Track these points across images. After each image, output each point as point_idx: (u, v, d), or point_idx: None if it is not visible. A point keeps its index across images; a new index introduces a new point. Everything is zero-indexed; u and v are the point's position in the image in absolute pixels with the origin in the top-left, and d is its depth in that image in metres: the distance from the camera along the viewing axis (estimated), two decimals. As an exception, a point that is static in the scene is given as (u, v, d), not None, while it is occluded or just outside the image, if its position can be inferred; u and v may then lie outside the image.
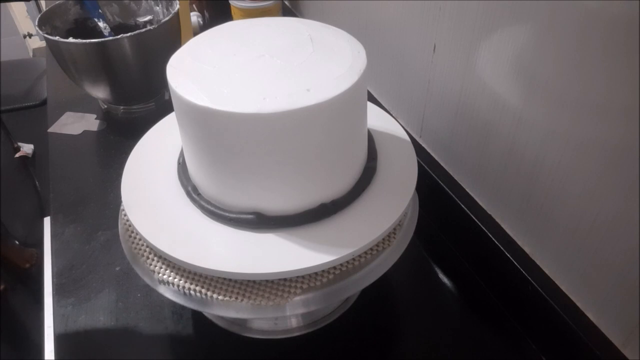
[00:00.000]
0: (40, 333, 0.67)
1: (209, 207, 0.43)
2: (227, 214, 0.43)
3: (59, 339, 0.54)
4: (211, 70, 0.41)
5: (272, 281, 0.42)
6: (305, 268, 0.40)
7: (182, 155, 0.48)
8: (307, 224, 0.43)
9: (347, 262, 0.43)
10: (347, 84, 0.39)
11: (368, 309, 0.55)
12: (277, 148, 0.39)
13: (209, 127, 0.39)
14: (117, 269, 0.60)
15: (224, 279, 0.42)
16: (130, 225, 0.47)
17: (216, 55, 0.43)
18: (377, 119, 0.55)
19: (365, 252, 0.44)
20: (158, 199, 0.46)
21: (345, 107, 0.40)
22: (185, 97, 0.38)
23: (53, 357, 0.54)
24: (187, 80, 0.40)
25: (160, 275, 0.43)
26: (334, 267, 0.42)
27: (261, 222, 0.42)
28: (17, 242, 1.12)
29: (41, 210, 1.22)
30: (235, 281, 0.42)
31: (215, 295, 0.41)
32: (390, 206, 0.45)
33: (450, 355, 0.52)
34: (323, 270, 0.42)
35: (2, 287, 0.97)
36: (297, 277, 0.42)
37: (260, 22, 0.49)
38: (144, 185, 0.48)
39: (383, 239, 0.45)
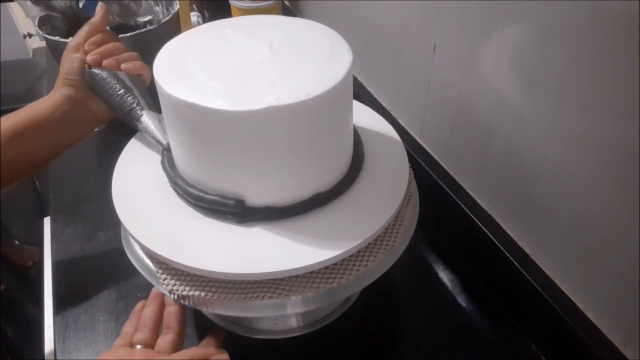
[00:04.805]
0: (40, 333, 0.67)
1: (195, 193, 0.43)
2: (209, 197, 0.42)
3: (59, 339, 0.54)
4: (195, 68, 0.41)
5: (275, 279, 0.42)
6: (310, 265, 0.40)
7: (168, 149, 0.48)
8: (296, 216, 0.43)
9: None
10: (333, 81, 0.39)
11: (368, 308, 0.55)
12: (262, 143, 0.39)
13: (198, 125, 0.39)
14: (117, 269, 0.60)
15: (223, 279, 0.42)
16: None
17: (202, 53, 0.43)
18: (359, 113, 0.55)
19: (365, 251, 0.44)
20: (147, 199, 0.46)
21: (333, 102, 0.40)
22: (172, 94, 0.39)
23: (53, 357, 0.54)
24: (174, 77, 0.40)
25: (158, 274, 0.43)
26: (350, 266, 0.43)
27: (248, 213, 0.42)
28: (17, 242, 1.12)
29: (41, 210, 1.21)
30: (235, 281, 0.42)
31: (210, 295, 0.41)
32: (386, 196, 0.46)
33: (450, 355, 0.52)
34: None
35: (2, 287, 0.97)
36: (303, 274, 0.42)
37: (247, 20, 0.49)
38: (133, 183, 0.48)
39: (376, 245, 0.45)
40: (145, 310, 0.44)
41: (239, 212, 0.42)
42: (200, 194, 0.43)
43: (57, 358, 0.52)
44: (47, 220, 0.73)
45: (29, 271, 1.04)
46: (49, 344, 0.64)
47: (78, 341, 0.54)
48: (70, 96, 0.54)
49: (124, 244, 0.47)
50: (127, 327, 0.44)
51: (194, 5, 1.08)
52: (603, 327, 0.46)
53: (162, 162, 0.47)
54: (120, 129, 0.55)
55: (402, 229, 0.46)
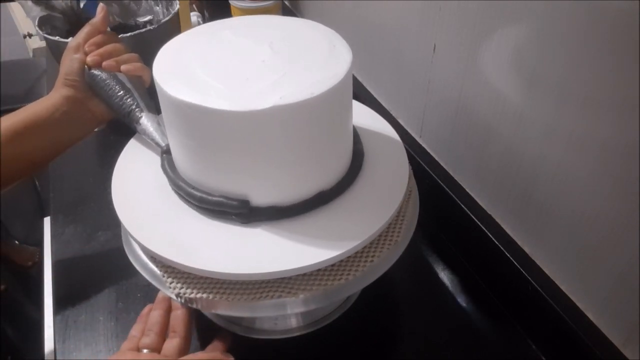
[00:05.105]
0: (40, 333, 0.67)
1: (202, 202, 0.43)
2: (213, 199, 0.42)
3: (59, 339, 0.54)
4: (196, 69, 0.41)
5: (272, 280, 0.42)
6: (308, 265, 0.40)
7: (167, 151, 0.48)
8: (300, 215, 0.43)
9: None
10: (335, 79, 0.39)
11: (368, 308, 0.55)
12: (267, 143, 0.39)
13: (201, 126, 0.39)
14: (117, 269, 0.60)
15: (231, 280, 0.42)
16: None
17: (201, 53, 0.43)
18: (359, 113, 0.55)
19: (370, 247, 0.44)
20: (148, 200, 0.46)
21: (336, 100, 0.41)
22: (175, 95, 0.38)
23: (53, 357, 0.54)
24: (175, 78, 0.40)
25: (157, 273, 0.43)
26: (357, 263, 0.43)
27: (252, 213, 0.42)
28: (17, 242, 1.12)
29: (41, 210, 1.22)
30: (234, 281, 0.42)
31: (218, 297, 0.41)
32: (388, 192, 0.46)
33: (450, 355, 0.52)
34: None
35: (2, 287, 0.97)
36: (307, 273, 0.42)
37: (246, 20, 0.49)
38: (133, 184, 0.48)
39: (380, 241, 0.45)
40: (152, 314, 0.44)
41: (244, 212, 0.42)
42: (204, 195, 0.42)
43: (57, 358, 0.52)
44: (47, 220, 0.73)
45: (29, 271, 1.04)
46: (49, 344, 0.64)
47: (78, 341, 0.54)
48: (69, 97, 0.54)
49: (125, 247, 0.47)
50: (134, 330, 0.44)
51: (194, 5, 1.08)
52: (603, 327, 0.46)
53: (162, 165, 0.47)
54: (120, 129, 0.55)
55: (404, 224, 0.47)
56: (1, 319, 0.88)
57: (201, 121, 0.39)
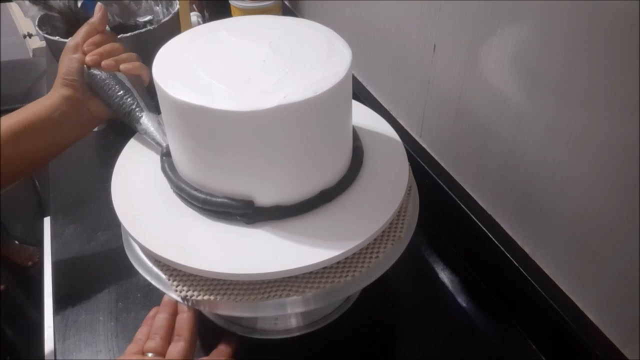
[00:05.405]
0: (40, 333, 0.67)
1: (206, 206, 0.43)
2: (217, 200, 0.42)
3: (59, 339, 0.54)
4: (196, 70, 0.41)
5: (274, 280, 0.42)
6: (309, 265, 0.40)
7: (167, 154, 0.48)
8: (304, 214, 0.43)
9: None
10: (337, 77, 0.39)
11: (368, 308, 0.55)
12: (271, 142, 0.39)
13: (205, 127, 0.39)
14: (117, 269, 0.60)
15: (238, 280, 0.42)
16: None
17: (201, 54, 0.43)
18: (359, 113, 0.55)
19: (374, 244, 0.44)
20: (148, 202, 0.46)
21: (338, 98, 0.41)
22: (178, 97, 0.38)
23: (53, 357, 0.54)
24: (176, 80, 0.40)
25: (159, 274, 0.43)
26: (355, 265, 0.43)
27: (257, 214, 0.42)
28: (17, 242, 1.12)
29: (41, 210, 1.22)
30: (233, 281, 0.42)
31: (226, 298, 0.41)
32: (389, 189, 0.46)
33: (450, 355, 0.52)
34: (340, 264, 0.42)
35: (2, 287, 0.97)
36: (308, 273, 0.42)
37: (244, 20, 0.49)
38: (133, 186, 0.48)
39: (384, 238, 0.45)
40: (158, 317, 0.44)
41: (248, 213, 0.42)
42: (208, 197, 0.42)
43: (57, 358, 0.52)
44: (47, 220, 0.73)
45: (29, 271, 1.04)
46: (49, 344, 0.64)
47: (78, 341, 0.54)
48: (68, 97, 0.54)
49: (125, 248, 0.47)
50: (140, 334, 0.44)
51: (194, 5, 1.08)
52: (603, 327, 0.46)
53: (163, 168, 0.47)
54: (120, 129, 0.55)
55: (406, 220, 0.47)
56: (1, 319, 0.88)
57: (204, 122, 0.38)
